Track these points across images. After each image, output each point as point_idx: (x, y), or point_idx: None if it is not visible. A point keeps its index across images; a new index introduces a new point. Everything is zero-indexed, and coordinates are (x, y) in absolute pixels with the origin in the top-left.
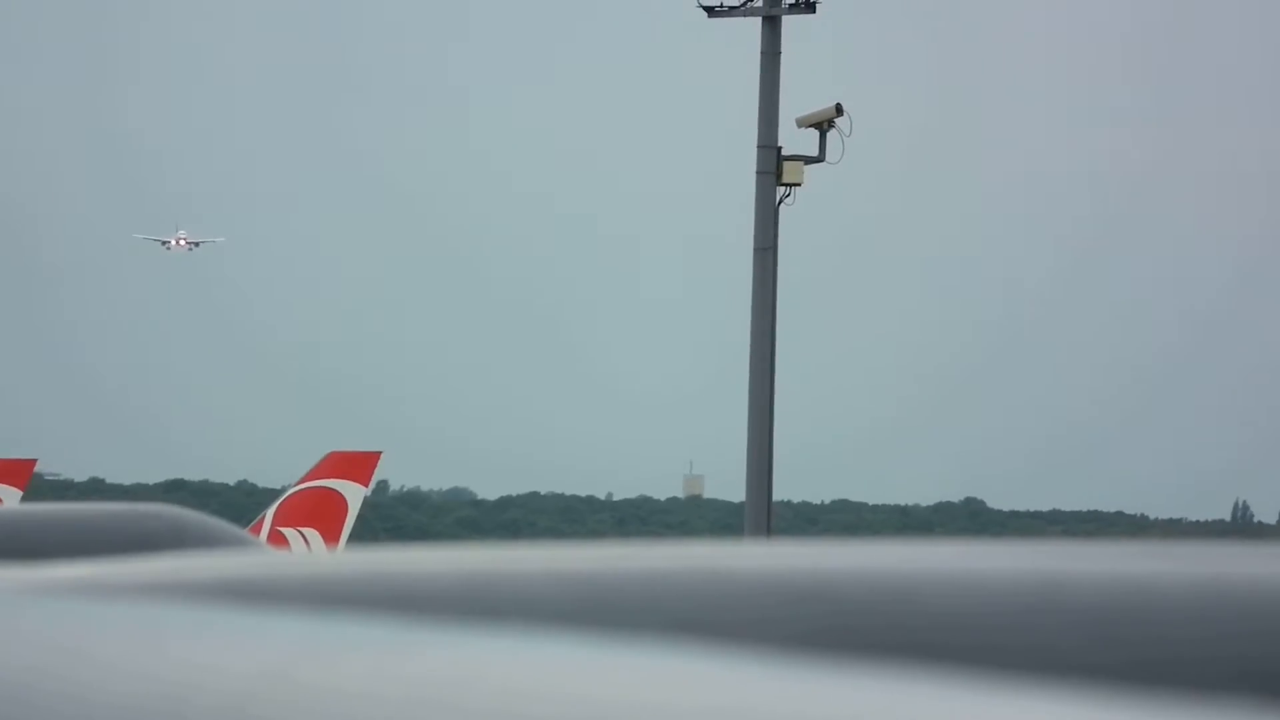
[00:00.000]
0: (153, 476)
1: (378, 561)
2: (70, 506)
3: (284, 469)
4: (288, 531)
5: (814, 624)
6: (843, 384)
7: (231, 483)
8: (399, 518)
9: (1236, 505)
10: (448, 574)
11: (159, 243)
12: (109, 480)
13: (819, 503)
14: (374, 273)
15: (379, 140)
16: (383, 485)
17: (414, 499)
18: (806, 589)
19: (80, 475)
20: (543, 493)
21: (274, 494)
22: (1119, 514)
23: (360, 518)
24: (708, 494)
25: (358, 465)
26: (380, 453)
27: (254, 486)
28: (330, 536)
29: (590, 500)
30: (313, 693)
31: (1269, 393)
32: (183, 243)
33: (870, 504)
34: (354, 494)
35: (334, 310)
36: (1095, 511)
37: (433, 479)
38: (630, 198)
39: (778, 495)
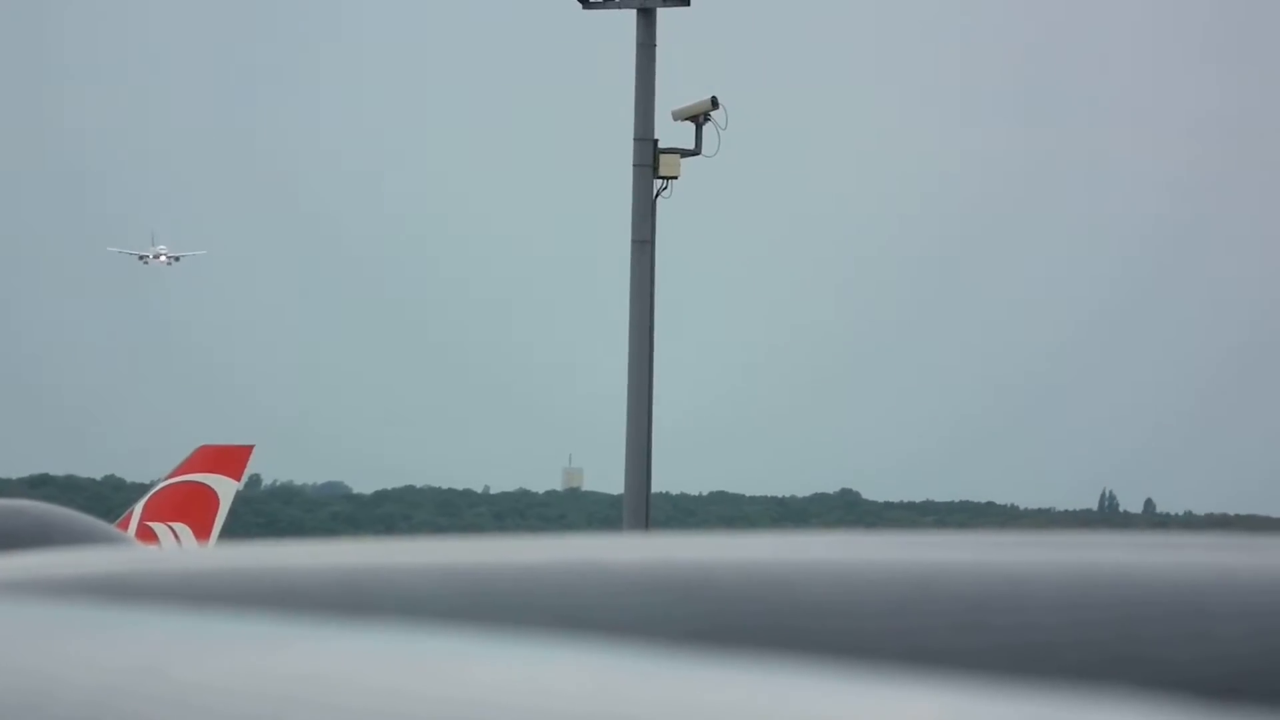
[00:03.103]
0: (16, 471)
1: (250, 557)
2: None
3: (153, 463)
4: (157, 526)
5: (693, 616)
6: (721, 376)
7: (98, 477)
8: (272, 512)
9: (1103, 495)
10: (322, 569)
11: (136, 257)
12: None
13: (697, 494)
14: (246, 265)
15: (249, 133)
16: (255, 479)
17: (287, 493)
18: (685, 581)
19: None
20: (419, 486)
21: (143, 489)
22: (990, 504)
23: (232, 513)
24: (586, 487)
25: (229, 459)
26: (253, 446)
27: (122, 481)
28: (201, 532)
29: (467, 494)
30: (180, 690)
31: (1134, 387)
32: (162, 257)
33: (748, 495)
34: (225, 488)
35: (204, 301)
36: (967, 502)
37: (306, 473)
38: (507, 191)
39: (656, 487)
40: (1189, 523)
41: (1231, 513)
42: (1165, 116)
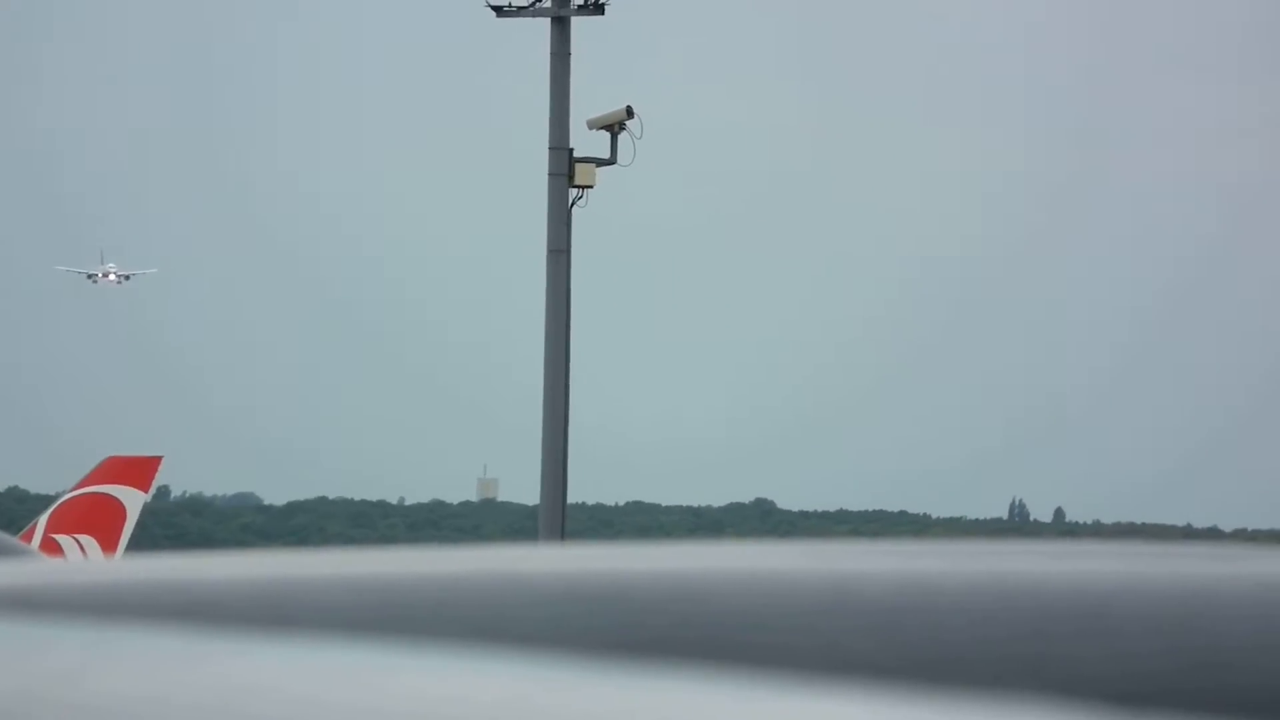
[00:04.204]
0: None
1: (158, 569)
2: None
3: (58, 474)
4: (62, 539)
5: (609, 627)
6: (636, 386)
7: (0, 489)
8: (181, 524)
9: (1013, 504)
10: (232, 581)
11: (84, 275)
12: None
13: (613, 504)
14: (161, 276)
15: (163, 134)
16: (164, 490)
17: (197, 505)
18: (601, 591)
19: None
20: (331, 497)
21: (47, 500)
22: (903, 513)
23: (140, 525)
24: (502, 497)
25: (137, 470)
26: (161, 457)
27: (25, 493)
28: (108, 544)
29: (381, 505)
30: (86, 706)
31: (1043, 396)
32: (111, 275)
33: (664, 505)
34: (133, 500)
35: (111, 308)
36: (880, 511)
37: (216, 484)
38: (422, 200)
39: (572, 497)
40: (1098, 531)
41: (1139, 521)
42: (1181, 132)
